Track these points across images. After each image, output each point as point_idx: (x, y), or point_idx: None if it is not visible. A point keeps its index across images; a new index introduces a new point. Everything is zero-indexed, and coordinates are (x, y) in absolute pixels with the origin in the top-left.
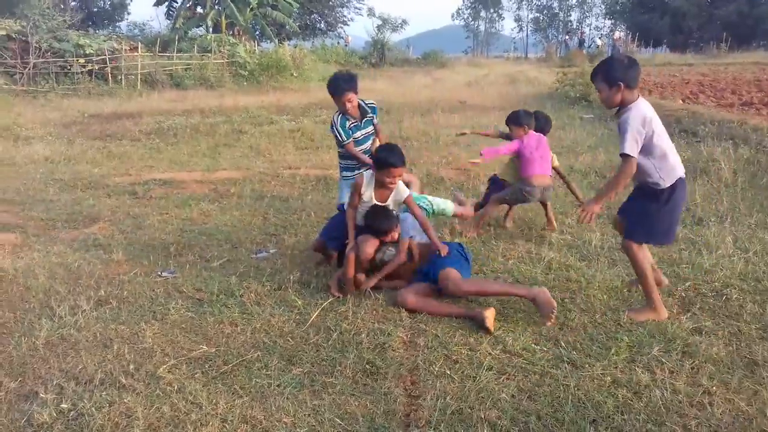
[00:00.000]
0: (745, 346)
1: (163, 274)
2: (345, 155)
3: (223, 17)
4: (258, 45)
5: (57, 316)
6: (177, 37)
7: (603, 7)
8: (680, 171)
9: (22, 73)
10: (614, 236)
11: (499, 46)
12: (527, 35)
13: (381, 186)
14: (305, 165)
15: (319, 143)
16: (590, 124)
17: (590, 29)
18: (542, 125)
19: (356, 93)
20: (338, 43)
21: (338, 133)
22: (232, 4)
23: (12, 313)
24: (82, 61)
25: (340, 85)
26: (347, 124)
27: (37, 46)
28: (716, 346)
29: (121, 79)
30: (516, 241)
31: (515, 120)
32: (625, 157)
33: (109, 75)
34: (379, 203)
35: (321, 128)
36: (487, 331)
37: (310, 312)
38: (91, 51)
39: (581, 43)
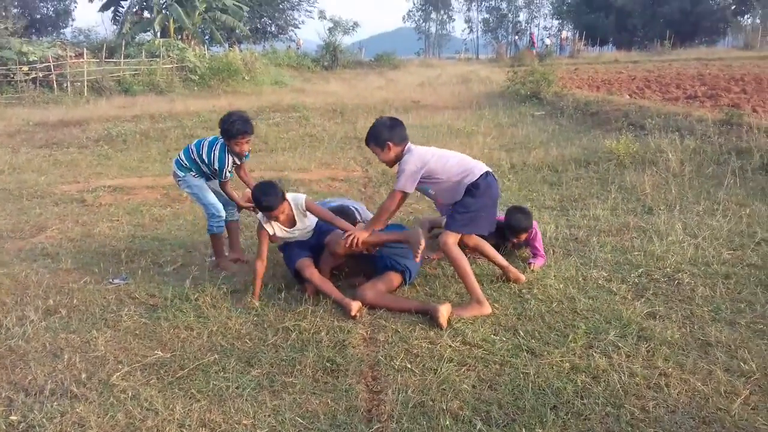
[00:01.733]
0: (698, 328)
1: (115, 281)
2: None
3: (171, 21)
4: (208, 49)
5: (4, 327)
6: (124, 43)
7: (550, 7)
8: (477, 171)
9: None
10: (568, 227)
11: (450, 48)
12: (478, 36)
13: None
14: (259, 167)
15: (273, 146)
16: (541, 121)
17: (539, 29)
18: None
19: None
20: (290, 46)
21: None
22: (179, 8)
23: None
24: (25, 68)
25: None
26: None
27: None
28: (670, 329)
29: (66, 86)
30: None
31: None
32: (394, 193)
33: (54, 82)
34: (288, 230)
35: (275, 130)
36: (439, 326)
37: (267, 313)
38: (35, 58)
39: (532, 44)
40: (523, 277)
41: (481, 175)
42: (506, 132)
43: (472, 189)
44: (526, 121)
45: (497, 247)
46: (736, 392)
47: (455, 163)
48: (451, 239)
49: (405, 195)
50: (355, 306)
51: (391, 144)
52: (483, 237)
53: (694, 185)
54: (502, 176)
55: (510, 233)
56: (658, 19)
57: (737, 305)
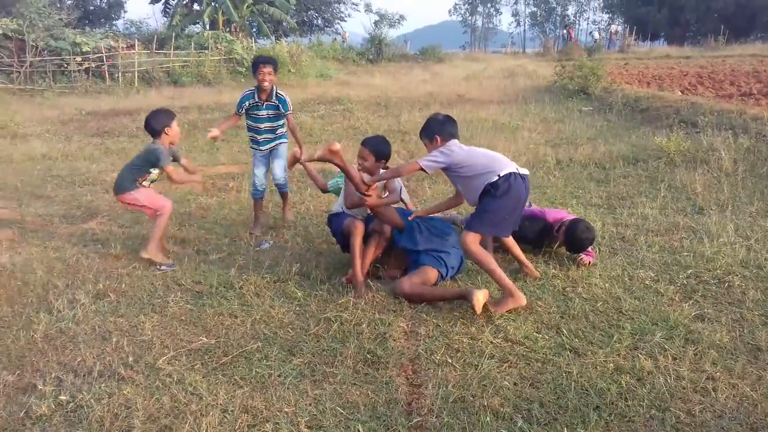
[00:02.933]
0: (748, 332)
1: (162, 267)
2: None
3: (219, 14)
4: (255, 42)
5: (55, 309)
6: (174, 35)
7: (600, 0)
8: (500, 171)
9: (19, 72)
10: (615, 226)
11: (496, 41)
12: (525, 30)
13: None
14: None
15: (317, 138)
16: (589, 117)
17: (587, 23)
18: None
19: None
20: (335, 39)
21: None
22: (228, 1)
23: (10, 307)
24: (79, 59)
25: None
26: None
27: (34, 44)
28: (719, 332)
29: (118, 76)
30: None
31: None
32: (414, 163)
33: (106, 73)
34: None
35: (319, 123)
36: (474, 310)
37: (310, 303)
38: (88, 49)
39: (569, 38)
40: (537, 273)
41: (503, 176)
42: (552, 127)
43: (491, 189)
44: (573, 117)
45: (538, 245)
46: None
47: (483, 157)
48: (470, 238)
49: (421, 169)
50: (362, 289)
51: (438, 138)
52: (524, 240)
53: (748, 185)
54: (547, 172)
55: (571, 247)
56: (712, 13)
57: None
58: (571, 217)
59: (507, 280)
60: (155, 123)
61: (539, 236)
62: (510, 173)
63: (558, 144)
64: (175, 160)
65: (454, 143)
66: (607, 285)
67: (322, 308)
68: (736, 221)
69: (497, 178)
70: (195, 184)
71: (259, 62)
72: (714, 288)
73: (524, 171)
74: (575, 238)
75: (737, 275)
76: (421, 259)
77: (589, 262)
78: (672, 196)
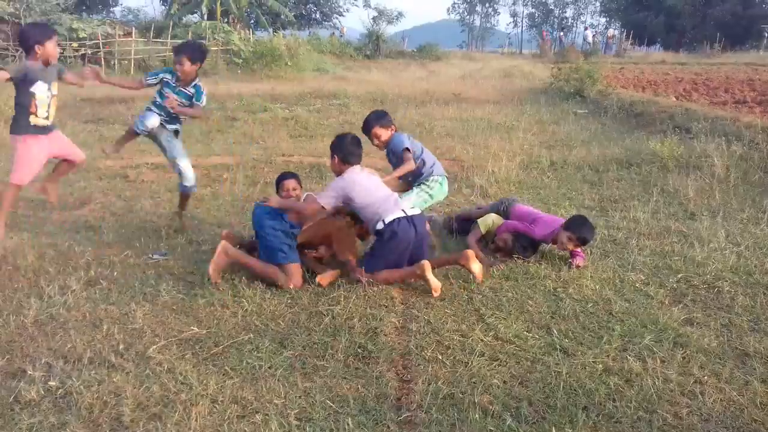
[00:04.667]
0: (737, 337)
1: (154, 256)
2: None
3: (218, 4)
4: (253, 34)
5: (46, 295)
6: (171, 24)
7: (598, 4)
8: (392, 214)
9: (14, 56)
10: (607, 228)
11: (494, 42)
12: (522, 31)
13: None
14: (299, 153)
15: (313, 131)
16: (584, 119)
17: (584, 26)
18: None
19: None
20: (333, 33)
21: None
22: None
23: (0, 292)
24: (75, 45)
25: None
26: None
27: None
28: (708, 337)
29: (114, 64)
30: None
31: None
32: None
33: (102, 60)
34: None
35: (315, 117)
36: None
37: (302, 296)
38: (85, 35)
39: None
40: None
41: (387, 223)
42: (547, 129)
43: (377, 234)
44: (568, 119)
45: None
46: None
47: (371, 197)
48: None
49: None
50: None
51: (336, 158)
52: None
53: (739, 192)
54: (541, 173)
55: (572, 242)
56: (709, 21)
57: None
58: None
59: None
60: (25, 38)
61: (525, 251)
62: (394, 219)
63: (552, 145)
64: (61, 79)
65: (353, 171)
66: (598, 287)
67: (314, 302)
68: (727, 227)
69: (382, 225)
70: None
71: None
72: (703, 293)
73: (414, 211)
74: (579, 229)
75: (727, 281)
76: None
77: (578, 266)
78: (664, 201)
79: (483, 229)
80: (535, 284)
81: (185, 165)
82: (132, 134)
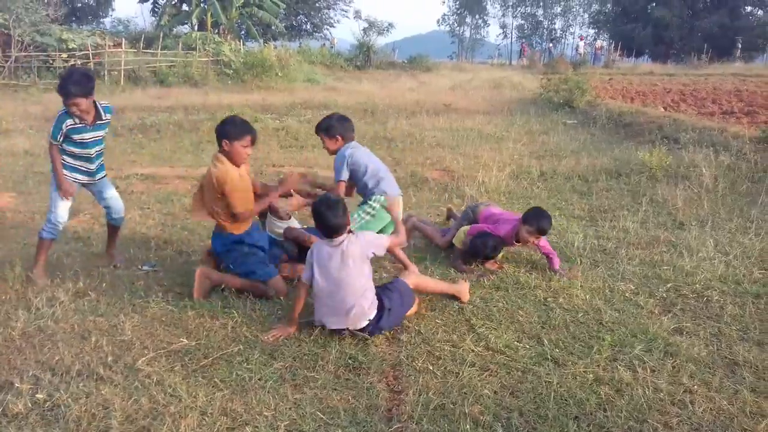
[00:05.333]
0: (726, 346)
1: (144, 267)
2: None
3: (208, 15)
4: (243, 44)
5: (34, 307)
6: (161, 34)
7: (587, 16)
8: None
9: (3, 67)
10: (597, 238)
11: (483, 52)
12: (512, 42)
13: None
14: (289, 163)
15: (303, 142)
16: (573, 130)
17: (573, 38)
18: None
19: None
20: (324, 45)
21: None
22: (217, 3)
23: None
24: (64, 55)
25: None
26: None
27: (20, 39)
28: (697, 346)
29: (104, 74)
30: None
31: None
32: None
33: (92, 70)
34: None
35: (306, 127)
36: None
37: (291, 305)
38: (74, 46)
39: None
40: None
41: None
42: (537, 139)
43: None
44: (557, 130)
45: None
46: (762, 413)
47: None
48: None
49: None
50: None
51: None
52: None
53: (727, 202)
54: (531, 183)
55: (531, 235)
56: (696, 32)
57: (767, 325)
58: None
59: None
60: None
61: (493, 250)
62: None
63: (542, 156)
64: None
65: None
66: (588, 296)
67: (303, 313)
68: (715, 237)
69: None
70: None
71: (72, 94)
72: (693, 302)
73: None
74: (539, 221)
75: (716, 290)
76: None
77: (555, 270)
78: (653, 211)
79: (459, 245)
80: (526, 294)
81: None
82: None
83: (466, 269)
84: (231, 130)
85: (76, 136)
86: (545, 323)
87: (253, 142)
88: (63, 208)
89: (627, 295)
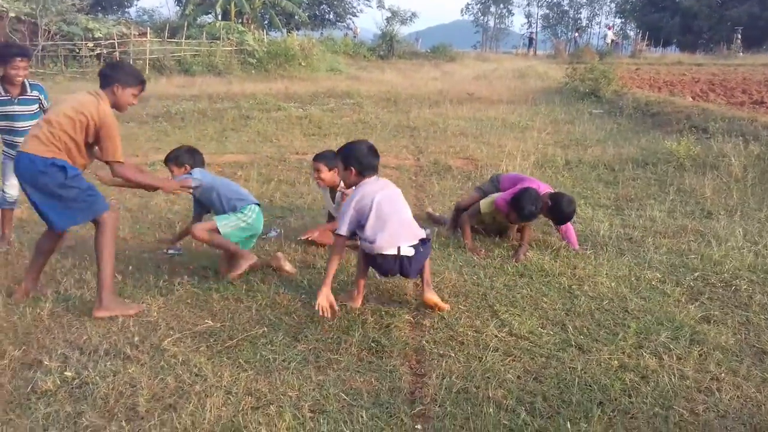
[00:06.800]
0: (754, 335)
1: (170, 251)
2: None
3: (232, 5)
4: (267, 34)
5: (62, 287)
6: (186, 24)
7: (613, 5)
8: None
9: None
10: (623, 227)
11: (508, 42)
12: (537, 32)
13: None
14: (312, 151)
15: (326, 130)
16: (599, 119)
17: (600, 27)
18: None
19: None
20: (347, 34)
21: None
22: None
23: (17, 284)
24: (90, 44)
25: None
26: None
27: (46, 28)
28: (725, 334)
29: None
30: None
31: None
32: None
33: (118, 59)
34: None
35: (329, 116)
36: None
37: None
38: (100, 35)
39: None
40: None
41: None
42: (562, 128)
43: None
44: (583, 119)
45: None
46: None
47: (381, 225)
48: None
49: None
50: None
51: (353, 170)
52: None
53: (757, 192)
54: (556, 172)
55: (557, 222)
56: (726, 22)
57: None
58: (543, 189)
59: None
60: None
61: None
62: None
63: (567, 145)
64: None
65: (370, 183)
66: (613, 284)
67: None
68: (744, 226)
69: (369, 249)
70: None
71: (14, 53)
72: (721, 291)
73: (409, 251)
74: (560, 212)
75: (744, 279)
76: None
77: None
78: (681, 200)
79: (485, 209)
80: (550, 281)
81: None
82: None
83: (474, 248)
84: (123, 76)
85: (3, 109)
86: (570, 310)
87: (142, 91)
88: (11, 187)
89: (653, 283)
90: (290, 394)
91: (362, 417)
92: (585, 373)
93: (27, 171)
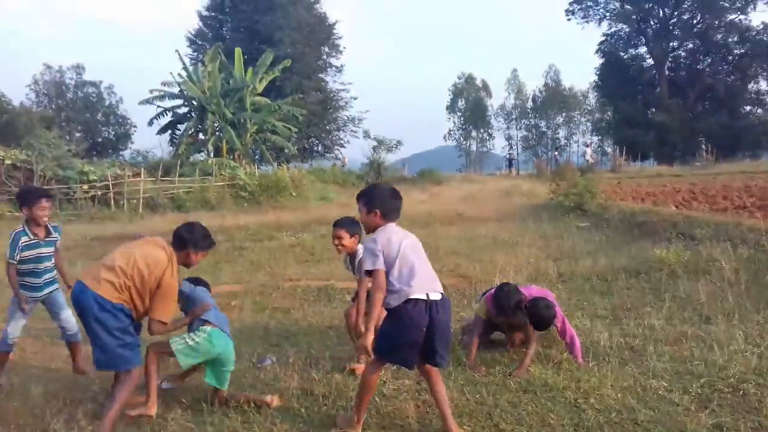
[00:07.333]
0: None
1: (163, 385)
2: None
3: (224, 143)
4: (258, 167)
5: (51, 429)
6: (179, 162)
7: (589, 125)
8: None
9: None
10: (623, 336)
11: (490, 164)
12: (518, 153)
13: None
14: (306, 277)
15: (319, 256)
16: (587, 232)
17: (578, 145)
18: None
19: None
20: (335, 164)
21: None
22: (232, 131)
23: (6, 428)
24: (85, 187)
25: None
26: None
27: (42, 174)
28: None
29: (123, 203)
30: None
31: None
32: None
33: (112, 200)
34: None
35: (321, 242)
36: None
37: (313, 419)
38: (95, 177)
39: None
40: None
41: (406, 300)
42: (552, 243)
43: (390, 312)
44: (571, 232)
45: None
46: None
47: (408, 270)
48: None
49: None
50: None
51: (378, 213)
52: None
53: (752, 294)
54: (550, 285)
55: (536, 327)
56: (697, 134)
57: None
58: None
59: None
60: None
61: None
62: (413, 299)
63: (558, 258)
64: None
65: (392, 229)
66: (619, 395)
67: (325, 423)
68: (744, 329)
69: (397, 302)
70: None
71: (39, 195)
72: (729, 396)
73: (436, 296)
74: (538, 315)
75: (752, 383)
76: None
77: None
78: (677, 306)
79: (483, 315)
80: (555, 396)
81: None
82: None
83: (474, 366)
84: (200, 240)
85: (30, 252)
86: (578, 425)
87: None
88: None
89: (660, 392)
90: None
91: None
92: None
93: (94, 308)
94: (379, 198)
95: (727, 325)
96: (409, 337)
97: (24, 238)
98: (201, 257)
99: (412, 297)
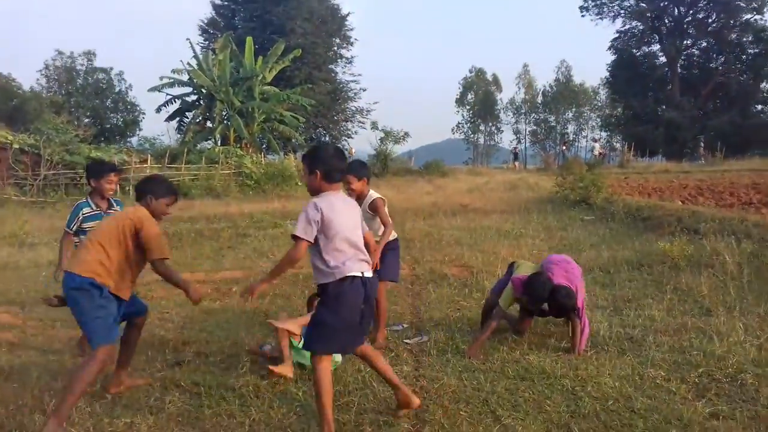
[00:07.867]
0: (764, 429)
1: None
2: None
3: (231, 131)
4: (264, 156)
5: (50, 410)
6: (186, 150)
7: (598, 120)
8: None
9: (32, 185)
10: (622, 326)
11: (498, 157)
12: (526, 147)
13: None
14: (309, 264)
15: None
16: (591, 225)
17: (587, 140)
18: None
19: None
20: None
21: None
22: (239, 120)
23: (4, 409)
24: None
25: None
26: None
27: (49, 158)
28: (735, 430)
29: (129, 189)
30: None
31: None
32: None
33: (118, 186)
34: None
35: None
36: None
37: (311, 403)
38: None
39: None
40: (416, 403)
41: (342, 278)
42: (555, 235)
43: (323, 293)
44: (575, 225)
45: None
46: None
47: (346, 245)
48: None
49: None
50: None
51: (319, 173)
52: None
53: (754, 288)
54: None
55: (556, 314)
56: (708, 131)
57: None
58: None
59: (328, 414)
60: None
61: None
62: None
63: (561, 250)
64: None
65: (334, 195)
66: (617, 384)
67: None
68: (744, 322)
69: (333, 279)
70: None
71: (110, 168)
72: (727, 386)
73: (368, 272)
74: (560, 303)
75: (750, 373)
76: None
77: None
78: (678, 299)
79: (505, 305)
80: (552, 383)
81: None
82: None
83: (476, 352)
84: (155, 187)
85: (92, 223)
86: (574, 412)
87: (174, 202)
88: None
89: (658, 381)
90: None
91: None
92: None
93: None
94: (320, 158)
95: (727, 317)
96: (350, 318)
97: (86, 209)
98: (165, 206)
99: (348, 274)
